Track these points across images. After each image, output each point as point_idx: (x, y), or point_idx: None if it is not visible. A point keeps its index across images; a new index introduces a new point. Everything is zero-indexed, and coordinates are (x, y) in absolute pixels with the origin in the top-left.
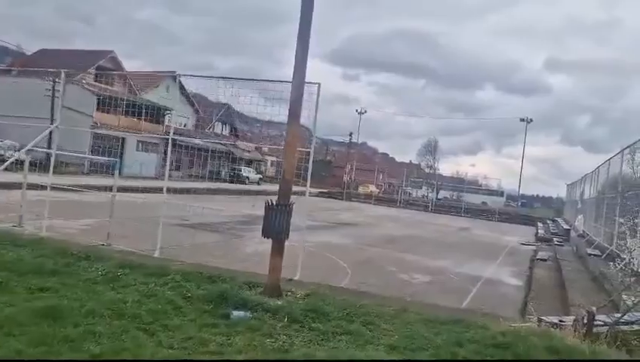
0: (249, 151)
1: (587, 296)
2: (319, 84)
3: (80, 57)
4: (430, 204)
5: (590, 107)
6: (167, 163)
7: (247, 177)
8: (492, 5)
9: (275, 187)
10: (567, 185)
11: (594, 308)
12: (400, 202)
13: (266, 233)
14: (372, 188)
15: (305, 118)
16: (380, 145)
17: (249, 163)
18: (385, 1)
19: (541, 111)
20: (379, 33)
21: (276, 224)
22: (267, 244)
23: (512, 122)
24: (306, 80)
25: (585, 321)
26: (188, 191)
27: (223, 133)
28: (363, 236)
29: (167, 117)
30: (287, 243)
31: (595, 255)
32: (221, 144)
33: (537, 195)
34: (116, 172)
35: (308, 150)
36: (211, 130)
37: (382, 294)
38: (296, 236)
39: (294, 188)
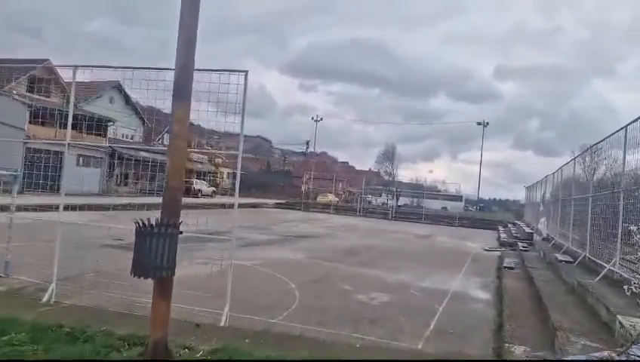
0: (202, 163)
1: (570, 315)
2: (246, 73)
3: (10, 67)
4: (390, 212)
5: (538, 112)
6: (63, 174)
7: (200, 190)
8: (442, 14)
9: (232, 199)
10: (526, 187)
11: (614, 356)
12: (360, 211)
13: (137, 269)
14: (331, 197)
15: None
16: (339, 154)
17: (202, 175)
18: (338, 11)
19: (493, 117)
20: (333, 43)
21: (154, 254)
22: (198, 268)
23: (468, 128)
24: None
25: None
26: (124, 207)
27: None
28: (318, 249)
29: (110, 129)
30: (236, 261)
31: (566, 261)
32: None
33: (494, 199)
34: (15, 188)
35: (234, 153)
36: (161, 141)
37: (327, 330)
38: (244, 253)
39: (222, 200)
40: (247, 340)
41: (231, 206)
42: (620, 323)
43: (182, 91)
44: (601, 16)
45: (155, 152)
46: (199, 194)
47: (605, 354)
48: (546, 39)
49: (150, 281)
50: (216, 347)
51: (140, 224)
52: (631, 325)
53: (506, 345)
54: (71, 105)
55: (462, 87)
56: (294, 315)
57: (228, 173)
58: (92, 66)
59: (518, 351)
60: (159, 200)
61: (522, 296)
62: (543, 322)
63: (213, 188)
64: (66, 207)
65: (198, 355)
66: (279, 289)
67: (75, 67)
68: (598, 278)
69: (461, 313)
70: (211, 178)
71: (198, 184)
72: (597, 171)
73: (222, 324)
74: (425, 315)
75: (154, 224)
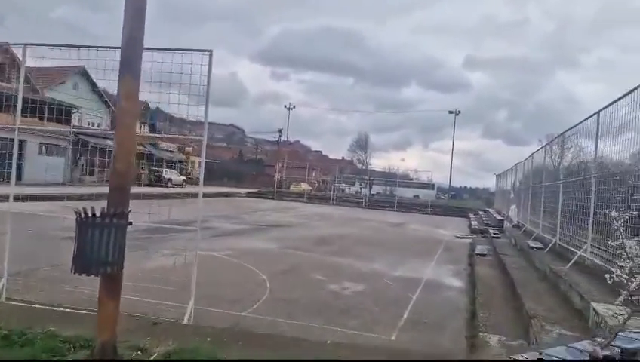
0: (171, 152)
1: (544, 303)
2: (211, 52)
3: None
4: (364, 200)
5: (507, 102)
6: (14, 162)
7: (170, 179)
8: (414, 4)
9: (203, 189)
10: (497, 175)
11: (598, 351)
12: (333, 199)
13: (79, 265)
14: (304, 186)
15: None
16: (313, 143)
17: (172, 164)
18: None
19: (464, 107)
20: (305, 32)
21: (98, 248)
22: (165, 260)
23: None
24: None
25: None
26: (90, 196)
27: (142, 134)
28: (291, 238)
29: (75, 116)
30: (204, 252)
31: (537, 248)
32: (140, 145)
33: (465, 187)
34: None
35: (199, 137)
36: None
37: (298, 322)
38: (214, 243)
39: (194, 190)
40: (208, 339)
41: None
42: (594, 310)
43: (129, 64)
44: (567, 8)
45: None
46: (169, 184)
47: (585, 343)
48: (514, 31)
49: None
50: (173, 348)
51: (82, 214)
52: (606, 312)
53: (481, 334)
54: (20, 86)
55: (433, 77)
56: (264, 307)
57: (199, 162)
58: (43, 45)
59: (493, 340)
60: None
61: (495, 284)
62: (516, 310)
63: (184, 178)
64: (23, 197)
65: (152, 358)
66: (249, 281)
67: (25, 45)
68: (569, 265)
69: (435, 301)
70: (182, 167)
71: (169, 173)
72: (565, 159)
73: (185, 320)
74: (399, 305)
75: (98, 214)
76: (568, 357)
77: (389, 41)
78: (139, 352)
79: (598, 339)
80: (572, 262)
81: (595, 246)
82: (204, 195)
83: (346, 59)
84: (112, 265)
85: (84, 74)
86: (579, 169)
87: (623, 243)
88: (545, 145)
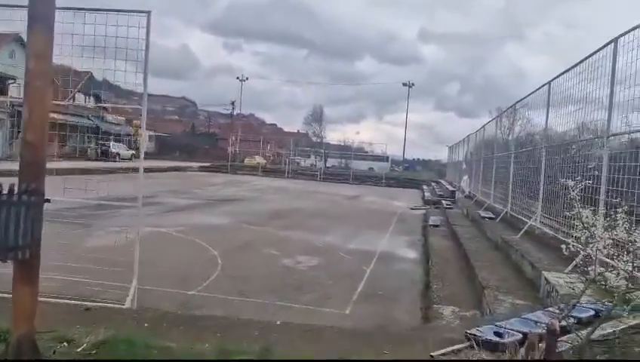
0: (119, 125)
1: (496, 273)
2: (149, 14)
3: None
4: (319, 173)
5: (458, 76)
6: None
7: (118, 153)
8: None
9: (153, 163)
10: (449, 147)
11: (555, 323)
12: (288, 173)
13: None
14: (259, 159)
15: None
16: (267, 116)
17: (120, 138)
18: None
19: (418, 80)
20: (258, 1)
21: (4, 230)
22: (110, 238)
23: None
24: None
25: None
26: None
27: (88, 106)
28: (244, 213)
29: (13, 88)
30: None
31: (489, 218)
32: (87, 118)
33: (418, 159)
34: None
35: (137, 106)
36: (71, 101)
37: (250, 300)
38: (165, 219)
39: (144, 164)
40: (146, 324)
41: (150, 170)
42: (545, 279)
43: (39, 17)
44: None
45: (65, 113)
46: (118, 158)
47: (539, 313)
48: (466, 5)
49: (51, 254)
50: (105, 337)
51: None
52: (556, 281)
53: (435, 305)
54: None
55: (387, 50)
56: (215, 285)
57: (150, 135)
58: None
59: (447, 311)
60: (70, 164)
61: (448, 255)
62: (470, 280)
63: (133, 152)
64: None
65: (79, 350)
66: (200, 258)
67: None
68: (520, 234)
69: (389, 274)
70: (131, 140)
71: (116, 147)
72: (514, 130)
73: (127, 303)
74: (353, 278)
75: (6, 190)
76: (524, 329)
77: (342, 13)
78: (65, 344)
79: (551, 309)
80: (523, 231)
81: (545, 216)
82: (154, 170)
83: (300, 31)
84: (24, 248)
85: (21, 41)
86: (526, 140)
87: (579, 212)
88: (497, 117)
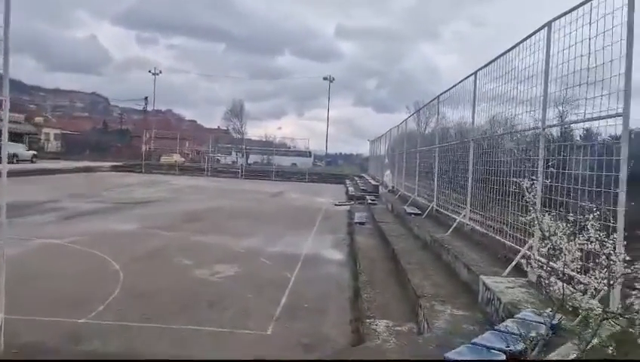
0: (19, 123)
1: (430, 277)
2: None
3: None
4: (240, 170)
5: (375, 72)
6: None
7: (15, 154)
8: None
9: (57, 165)
10: (370, 141)
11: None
12: (208, 170)
13: None
14: (176, 157)
15: None
16: (186, 112)
17: (18, 137)
18: None
19: (336, 75)
20: None
21: None
22: None
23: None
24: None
25: None
26: None
27: None
28: (156, 216)
29: None
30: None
31: (415, 214)
32: None
33: (341, 153)
34: None
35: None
36: None
37: (153, 325)
38: (62, 228)
39: (47, 165)
40: None
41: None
42: (484, 284)
43: None
44: None
45: None
46: (15, 160)
47: (488, 336)
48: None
49: None
50: None
51: None
52: (496, 286)
53: (367, 319)
54: None
55: (307, 46)
56: (113, 309)
57: (55, 134)
58: None
59: (381, 326)
60: None
61: (377, 256)
62: (401, 285)
63: (34, 152)
64: None
65: None
66: (99, 273)
67: None
68: (449, 231)
69: (315, 280)
70: (32, 140)
71: (13, 147)
72: (429, 125)
73: None
74: (276, 288)
75: None
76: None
77: (261, 7)
78: None
79: (501, 328)
80: (452, 228)
81: (475, 212)
82: (60, 171)
83: (217, 24)
84: None
85: None
86: (445, 134)
87: (537, 218)
88: (419, 110)
